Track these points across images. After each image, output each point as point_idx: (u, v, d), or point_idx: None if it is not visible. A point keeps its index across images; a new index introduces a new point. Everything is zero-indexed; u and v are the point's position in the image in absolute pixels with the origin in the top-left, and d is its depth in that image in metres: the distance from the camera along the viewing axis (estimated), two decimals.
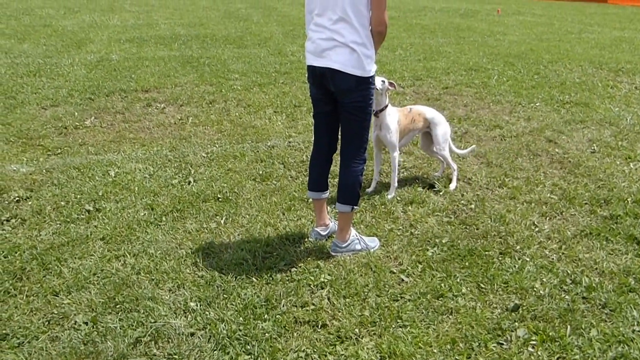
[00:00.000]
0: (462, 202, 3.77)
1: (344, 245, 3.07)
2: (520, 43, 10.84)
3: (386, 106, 3.67)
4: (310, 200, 3.62)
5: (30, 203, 3.63)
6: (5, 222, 3.37)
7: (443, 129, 3.98)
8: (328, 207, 3.39)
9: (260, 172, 4.15)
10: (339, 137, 3.07)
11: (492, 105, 6.21)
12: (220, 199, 3.71)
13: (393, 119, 3.74)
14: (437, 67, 8.15)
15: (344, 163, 3.01)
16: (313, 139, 3.14)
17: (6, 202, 3.64)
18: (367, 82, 2.82)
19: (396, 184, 3.85)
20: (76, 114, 5.60)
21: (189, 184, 3.95)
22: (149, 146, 4.73)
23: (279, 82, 7.01)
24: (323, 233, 3.26)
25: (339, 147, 3.09)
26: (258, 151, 4.60)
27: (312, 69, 2.91)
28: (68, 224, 3.36)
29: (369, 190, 3.89)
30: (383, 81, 3.56)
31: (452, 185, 4.00)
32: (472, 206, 3.70)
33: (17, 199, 3.67)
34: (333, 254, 3.08)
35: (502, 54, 9.47)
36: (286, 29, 12.16)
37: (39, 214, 3.47)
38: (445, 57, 9.00)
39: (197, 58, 8.58)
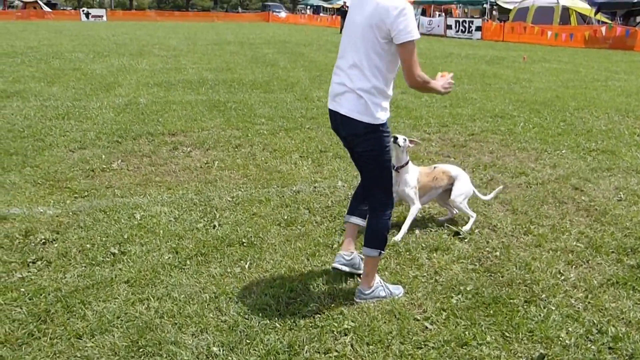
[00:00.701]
0: (487, 249, 3.72)
1: (368, 292, 3.03)
2: (546, 90, 10.85)
3: (407, 163, 3.75)
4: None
5: (56, 245, 3.66)
6: (31, 264, 3.40)
7: (464, 185, 4.03)
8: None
9: (285, 217, 4.15)
10: None
11: (518, 152, 6.18)
12: (244, 244, 3.71)
13: (412, 176, 3.86)
14: (463, 114, 8.18)
15: (371, 209, 3.03)
16: None
17: (32, 244, 3.68)
18: (377, 129, 2.82)
19: (406, 230, 3.85)
20: (103, 156, 5.70)
21: (213, 227, 3.97)
22: (174, 189, 4.78)
23: (305, 127, 7.08)
24: (347, 258, 3.24)
25: None
26: (283, 196, 4.61)
27: (329, 111, 2.98)
28: (93, 266, 3.38)
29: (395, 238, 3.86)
30: (405, 139, 3.65)
31: (467, 227, 4.01)
32: (497, 253, 3.65)
33: (43, 241, 3.71)
34: (357, 300, 3.04)
35: (528, 101, 9.48)
36: (313, 75, 12.34)
37: (64, 257, 3.50)
38: (472, 104, 9.03)
39: (224, 102, 8.73)
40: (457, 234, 3.93)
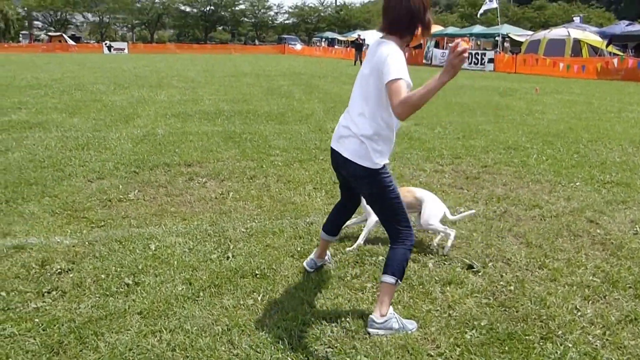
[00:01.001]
0: (501, 283, 3.70)
1: (380, 322, 3.02)
2: (559, 122, 10.85)
3: None
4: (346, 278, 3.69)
5: (71, 275, 3.70)
6: (46, 294, 3.43)
7: (432, 207, 4.17)
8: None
9: (299, 249, 4.17)
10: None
11: (532, 184, 6.17)
12: (258, 275, 3.72)
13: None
14: (476, 146, 8.19)
15: (391, 239, 3.15)
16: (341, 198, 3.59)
17: (48, 273, 3.72)
18: (377, 173, 2.97)
19: (362, 242, 4.24)
20: (121, 187, 5.77)
21: (227, 259, 3.99)
22: (189, 220, 4.82)
23: (319, 159, 7.13)
24: (319, 263, 3.78)
25: None
26: (297, 227, 4.63)
27: (331, 149, 3.16)
28: (107, 297, 3.40)
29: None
30: None
31: (446, 248, 4.13)
32: (512, 288, 3.62)
33: (59, 271, 3.75)
34: (370, 330, 3.03)
35: (541, 132, 9.48)
36: (327, 106, 12.45)
37: (79, 287, 3.54)
38: (484, 136, 9.05)
39: (240, 134, 8.82)
40: (470, 267, 3.92)
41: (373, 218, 4.16)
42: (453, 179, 6.33)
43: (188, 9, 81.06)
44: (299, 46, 63.15)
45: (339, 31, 72.75)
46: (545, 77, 24.67)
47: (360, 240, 4.23)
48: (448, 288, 3.60)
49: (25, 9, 74.02)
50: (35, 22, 76.78)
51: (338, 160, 3.09)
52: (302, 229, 4.61)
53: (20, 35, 71.11)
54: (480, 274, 3.83)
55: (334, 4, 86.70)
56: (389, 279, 3.03)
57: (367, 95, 2.93)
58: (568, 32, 29.96)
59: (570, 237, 4.56)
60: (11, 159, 6.84)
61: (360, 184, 3.08)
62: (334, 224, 3.62)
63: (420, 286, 3.61)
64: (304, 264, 3.81)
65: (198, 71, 25.12)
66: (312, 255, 3.82)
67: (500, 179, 6.37)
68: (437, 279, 3.72)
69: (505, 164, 7.06)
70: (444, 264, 3.98)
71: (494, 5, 36.88)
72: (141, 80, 19.41)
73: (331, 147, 3.15)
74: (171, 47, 59.57)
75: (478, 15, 40.37)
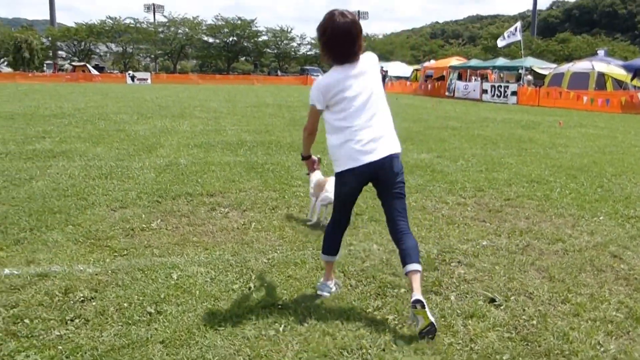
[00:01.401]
0: (524, 317, 3.65)
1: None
2: (582, 155, 10.77)
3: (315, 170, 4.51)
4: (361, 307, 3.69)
5: (94, 303, 3.73)
6: (69, 322, 3.47)
7: (326, 192, 5.18)
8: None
9: (321, 281, 4.16)
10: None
11: (555, 218, 6.11)
12: (279, 306, 3.72)
13: (314, 177, 5.47)
14: (498, 179, 8.15)
15: (408, 231, 3.60)
16: (336, 217, 3.82)
17: (72, 301, 3.76)
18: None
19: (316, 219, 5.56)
20: (143, 216, 5.84)
21: (249, 289, 4.00)
22: (211, 250, 4.85)
23: None
24: (332, 286, 3.91)
25: None
26: (319, 259, 4.62)
27: (368, 165, 3.46)
28: (129, 325, 3.43)
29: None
30: (318, 157, 4.34)
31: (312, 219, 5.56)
32: (534, 322, 3.57)
33: (82, 299, 3.79)
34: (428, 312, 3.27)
35: (565, 166, 9.41)
36: None
37: (102, 315, 3.57)
38: (507, 169, 9.01)
39: (262, 164, 8.90)
40: (492, 300, 3.88)
41: (314, 200, 5.45)
42: (475, 212, 6.30)
43: (211, 40, 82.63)
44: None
45: None
46: (568, 111, 24.56)
47: (315, 218, 5.51)
48: (470, 321, 3.56)
49: (50, 38, 75.99)
50: (60, 52, 78.69)
51: (386, 166, 3.45)
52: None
53: (45, 64, 73.12)
54: (502, 307, 3.79)
55: None
56: (420, 266, 3.46)
57: (376, 98, 3.49)
58: (592, 65, 29.82)
59: (594, 271, 4.50)
60: (35, 188, 6.96)
61: (399, 174, 3.53)
62: (335, 244, 3.81)
63: (442, 319, 3.58)
64: (319, 292, 3.89)
65: (220, 102, 25.48)
66: (323, 281, 3.94)
67: (523, 212, 6.33)
68: (458, 312, 3.69)
69: (528, 197, 7.01)
70: (466, 296, 3.95)
71: (517, 37, 36.90)
72: (164, 110, 19.72)
73: (371, 162, 3.43)
74: (194, 78, 60.56)
75: (500, 46, 40.18)
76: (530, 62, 37.37)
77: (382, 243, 5.06)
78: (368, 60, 3.52)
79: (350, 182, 3.59)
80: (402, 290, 4.00)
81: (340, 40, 3.37)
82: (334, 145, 3.60)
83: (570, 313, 3.72)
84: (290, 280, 4.19)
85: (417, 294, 3.34)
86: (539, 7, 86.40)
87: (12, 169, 8.19)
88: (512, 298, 3.94)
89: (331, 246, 3.81)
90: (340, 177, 3.63)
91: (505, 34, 37.74)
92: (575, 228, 5.73)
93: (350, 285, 4.11)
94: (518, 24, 36.84)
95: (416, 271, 3.43)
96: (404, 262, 3.50)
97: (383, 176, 3.51)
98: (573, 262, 4.68)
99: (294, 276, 4.26)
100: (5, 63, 74.87)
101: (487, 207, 6.50)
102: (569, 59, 52.44)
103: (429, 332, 3.25)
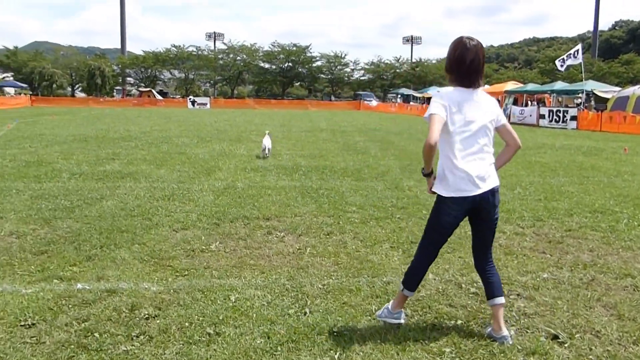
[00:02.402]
0: (591, 357, 3.52)
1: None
2: None
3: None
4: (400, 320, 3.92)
5: (157, 321, 3.86)
6: (134, 338, 3.60)
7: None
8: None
9: (376, 308, 4.16)
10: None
11: (622, 251, 5.90)
12: (335, 333, 3.74)
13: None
14: (558, 208, 7.95)
15: (493, 264, 3.80)
16: (425, 253, 3.78)
17: (137, 318, 3.90)
18: None
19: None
20: (203, 237, 6.00)
21: (305, 314, 4.04)
22: (268, 274, 4.93)
23: (395, 217, 7.14)
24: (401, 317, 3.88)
25: None
26: (374, 286, 4.64)
27: (473, 198, 3.52)
28: (190, 345, 3.52)
29: None
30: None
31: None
32: None
33: (146, 316, 3.93)
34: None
35: (632, 195, 9.07)
36: (403, 164, 12.50)
37: (164, 333, 3.68)
38: (568, 198, 8.78)
39: (316, 189, 8.99)
40: (555, 337, 3.77)
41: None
42: (535, 242, 6.17)
43: (267, 66, 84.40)
44: (374, 102, 63.97)
45: (415, 87, 73.25)
46: (634, 136, 23.63)
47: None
48: (531, 359, 3.48)
49: (120, 66, 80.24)
50: (128, 78, 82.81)
51: (487, 199, 3.53)
52: (379, 288, 4.61)
53: (115, 90, 77.20)
54: (566, 345, 3.67)
55: (410, 61, 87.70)
56: (504, 299, 3.71)
57: (489, 134, 3.57)
58: None
59: None
60: (105, 207, 7.31)
61: (497, 207, 3.63)
62: (421, 279, 3.85)
63: (502, 354, 3.51)
64: (391, 320, 3.86)
65: (275, 126, 25.89)
66: (394, 308, 3.88)
67: (586, 244, 6.14)
68: (519, 347, 3.61)
69: (592, 229, 6.80)
70: (527, 331, 3.86)
71: (578, 60, 35.86)
72: (222, 134, 20.20)
73: (475, 195, 3.49)
74: (250, 103, 61.92)
75: (560, 69, 39.01)
76: (592, 85, 36.33)
77: (438, 273, 5.03)
78: (489, 100, 3.65)
79: (456, 211, 3.56)
80: (459, 322, 3.96)
81: (468, 61, 3.51)
82: (445, 166, 3.57)
83: None
84: (345, 307, 4.21)
85: (505, 330, 3.66)
86: (600, 27, 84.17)
87: (85, 188, 8.62)
88: (577, 336, 3.81)
89: (419, 282, 3.83)
90: (445, 203, 3.59)
91: (565, 57, 36.83)
92: None
93: (406, 315, 4.09)
94: (578, 46, 35.90)
95: (502, 305, 3.70)
96: (492, 295, 3.71)
97: (486, 208, 3.57)
98: None
99: (349, 303, 4.28)
100: (80, 89, 79.41)
101: (547, 238, 6.36)
102: (633, 81, 50.72)
103: None
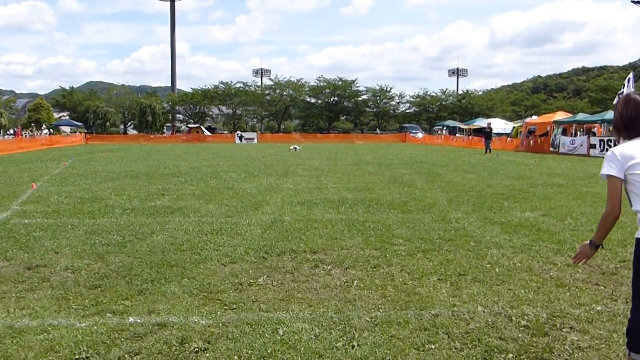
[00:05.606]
0: None
1: None
2: None
3: None
4: None
5: (207, 355, 3.92)
6: None
7: None
8: None
9: (424, 341, 4.13)
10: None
11: None
12: None
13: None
14: (612, 238, 7.72)
15: None
16: None
17: (187, 351, 3.97)
18: None
19: None
20: (251, 271, 6.08)
21: (352, 348, 4.04)
22: (315, 307, 4.95)
23: (443, 249, 7.08)
24: None
25: None
26: (422, 319, 4.61)
27: None
28: None
29: None
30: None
31: None
32: None
33: (196, 349, 4.00)
34: None
35: None
36: (450, 196, 12.39)
37: None
38: (621, 228, 8.51)
39: (363, 222, 9.00)
40: None
41: None
42: (587, 274, 6.01)
43: (313, 100, 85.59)
44: (420, 135, 63.86)
45: (461, 119, 72.85)
46: None
47: None
48: None
49: (170, 103, 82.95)
50: (177, 115, 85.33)
51: None
52: (427, 321, 4.57)
53: (165, 127, 79.75)
54: None
55: (456, 93, 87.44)
56: None
57: None
58: None
59: None
60: (155, 242, 7.49)
61: None
62: None
63: None
64: None
65: (322, 160, 26.10)
66: None
67: None
68: None
69: None
70: None
71: (630, 89, 35.11)
72: (269, 168, 20.49)
73: None
74: (296, 137, 62.60)
75: (615, 102, 38.30)
76: None
77: (487, 305, 4.95)
78: None
79: None
80: (510, 355, 3.89)
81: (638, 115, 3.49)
82: None
83: None
84: (394, 340, 4.19)
85: None
86: None
87: (136, 223, 8.86)
88: None
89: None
90: None
91: (621, 90, 36.12)
92: None
93: (455, 348, 4.05)
94: (630, 75, 35.11)
95: None
96: None
97: None
98: None
99: (397, 336, 4.26)
100: (132, 126, 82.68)
101: (600, 269, 6.18)
102: None
103: None
